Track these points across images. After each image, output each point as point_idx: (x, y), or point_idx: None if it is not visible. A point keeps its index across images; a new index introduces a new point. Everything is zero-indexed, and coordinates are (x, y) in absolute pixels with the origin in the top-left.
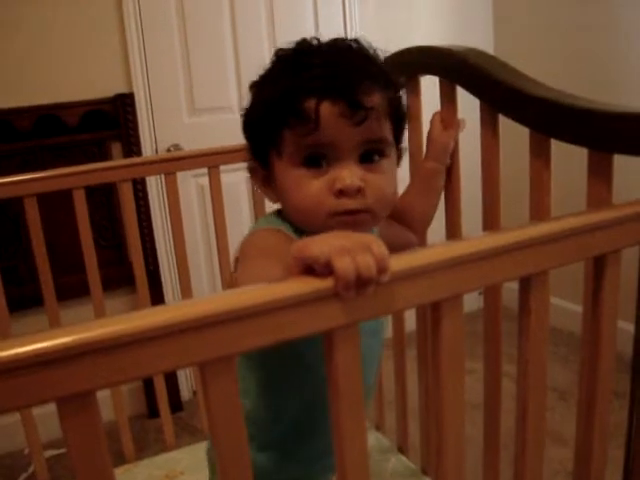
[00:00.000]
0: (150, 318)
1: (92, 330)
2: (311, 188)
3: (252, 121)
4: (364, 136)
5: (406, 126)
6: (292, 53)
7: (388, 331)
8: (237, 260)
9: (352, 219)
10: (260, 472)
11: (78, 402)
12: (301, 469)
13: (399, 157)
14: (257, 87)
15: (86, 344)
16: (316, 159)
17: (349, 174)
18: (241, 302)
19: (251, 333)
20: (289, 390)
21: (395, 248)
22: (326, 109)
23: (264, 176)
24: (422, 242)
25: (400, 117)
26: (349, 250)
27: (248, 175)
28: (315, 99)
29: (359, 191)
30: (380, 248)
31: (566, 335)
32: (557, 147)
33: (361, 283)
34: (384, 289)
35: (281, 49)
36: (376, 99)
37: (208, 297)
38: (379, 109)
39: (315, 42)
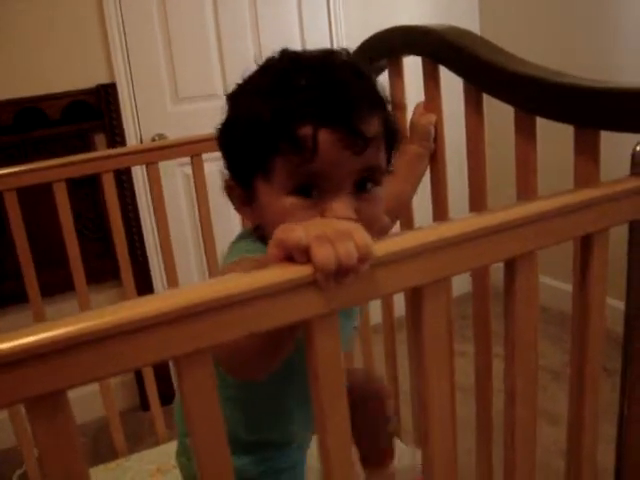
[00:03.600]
0: (120, 313)
1: (58, 328)
2: (301, 218)
3: (234, 139)
4: (362, 165)
5: (397, 150)
6: (281, 67)
7: (377, 316)
8: None
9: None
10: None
11: (48, 403)
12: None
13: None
14: (240, 100)
15: (53, 343)
16: (307, 189)
17: (343, 207)
18: (215, 293)
19: (227, 324)
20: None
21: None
22: (324, 137)
23: (243, 195)
24: (394, 224)
25: (394, 137)
26: (330, 238)
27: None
28: (312, 126)
29: None
30: (363, 236)
31: (557, 314)
32: (545, 125)
33: (341, 272)
34: (364, 275)
35: (270, 59)
36: (375, 125)
37: (181, 289)
38: (379, 135)
39: (304, 55)
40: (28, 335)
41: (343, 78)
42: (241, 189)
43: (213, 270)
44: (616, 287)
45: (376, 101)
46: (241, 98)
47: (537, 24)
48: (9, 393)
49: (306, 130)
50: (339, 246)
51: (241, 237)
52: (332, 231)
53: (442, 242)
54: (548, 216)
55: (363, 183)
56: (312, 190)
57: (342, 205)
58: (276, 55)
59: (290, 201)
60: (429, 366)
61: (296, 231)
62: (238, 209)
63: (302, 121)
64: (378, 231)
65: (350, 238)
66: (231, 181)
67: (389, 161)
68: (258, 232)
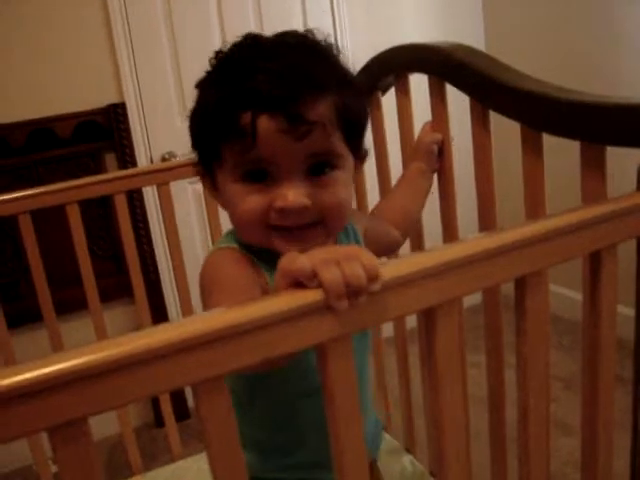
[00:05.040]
0: (137, 343)
1: (79, 357)
2: (251, 203)
3: (194, 129)
4: (308, 150)
5: (362, 132)
6: (233, 54)
7: (390, 328)
8: (201, 291)
9: (297, 235)
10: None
11: (70, 430)
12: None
13: (360, 161)
14: (200, 88)
15: (73, 372)
16: (258, 174)
17: (292, 192)
18: (229, 321)
19: (241, 351)
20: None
21: (381, 246)
22: (263, 124)
23: (211, 182)
24: (404, 240)
25: (353, 124)
26: (336, 261)
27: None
28: (251, 113)
29: (306, 209)
30: (369, 257)
31: (570, 324)
32: (553, 140)
33: (352, 293)
34: (376, 298)
35: (221, 51)
36: (322, 109)
37: (196, 317)
38: (325, 120)
39: (261, 40)
40: (51, 364)
41: (292, 60)
42: (208, 176)
43: None
44: (631, 295)
45: (327, 83)
46: (201, 87)
47: (542, 40)
48: (33, 421)
49: (246, 118)
50: (345, 267)
51: (223, 234)
52: (337, 254)
53: (453, 263)
54: (556, 234)
55: (319, 167)
56: (264, 176)
57: (291, 190)
58: (238, 40)
59: (240, 188)
60: (442, 385)
61: (299, 258)
62: (211, 195)
63: (243, 109)
64: (388, 245)
65: (356, 259)
66: (200, 168)
67: (354, 148)
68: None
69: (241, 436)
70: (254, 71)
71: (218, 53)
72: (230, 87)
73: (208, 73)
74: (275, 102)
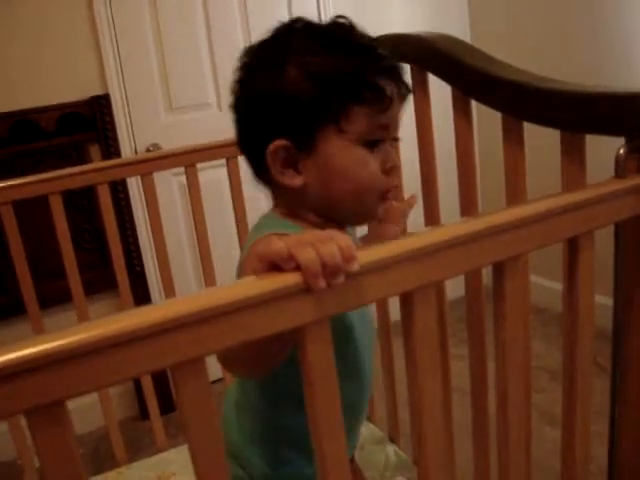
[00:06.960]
0: (114, 325)
1: (55, 340)
2: (373, 167)
3: (297, 95)
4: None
5: None
6: (329, 30)
7: (374, 321)
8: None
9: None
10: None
11: (47, 413)
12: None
13: None
14: (296, 57)
15: (50, 354)
16: (372, 142)
17: (394, 152)
18: (206, 303)
19: (219, 334)
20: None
21: None
22: (392, 89)
23: (287, 158)
24: None
25: None
26: (311, 242)
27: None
28: (385, 78)
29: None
30: (344, 238)
31: (555, 315)
32: (534, 128)
33: (329, 272)
34: (353, 282)
35: (296, 26)
36: None
37: (174, 300)
38: None
39: (322, 23)
40: (26, 347)
41: (374, 41)
42: (292, 148)
43: (209, 278)
44: (611, 285)
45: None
46: (296, 55)
47: (527, 29)
48: (9, 404)
49: (383, 81)
50: (320, 247)
51: (265, 217)
52: (313, 237)
53: (429, 248)
54: (534, 220)
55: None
56: (377, 142)
57: (393, 151)
58: (298, 24)
59: (363, 151)
60: (421, 371)
61: (275, 242)
62: (278, 174)
63: (378, 73)
64: None
65: (331, 240)
66: (281, 141)
67: None
68: (280, 210)
69: (302, 442)
70: (365, 43)
71: (313, 26)
72: (358, 54)
73: (286, 47)
74: (396, 71)
